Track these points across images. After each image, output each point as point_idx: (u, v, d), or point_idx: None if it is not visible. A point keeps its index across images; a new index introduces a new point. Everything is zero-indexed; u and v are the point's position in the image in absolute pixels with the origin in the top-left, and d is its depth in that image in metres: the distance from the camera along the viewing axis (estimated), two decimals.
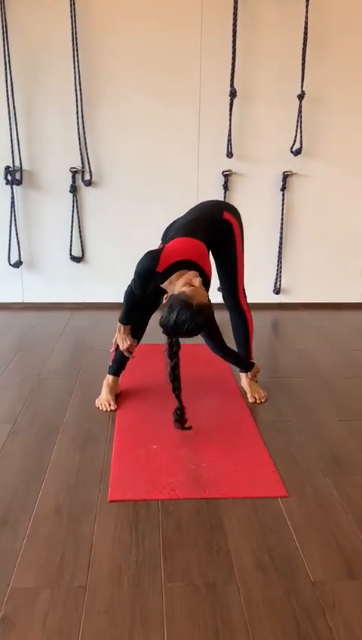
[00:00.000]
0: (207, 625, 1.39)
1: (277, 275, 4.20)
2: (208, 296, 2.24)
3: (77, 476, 2.01)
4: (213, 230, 2.46)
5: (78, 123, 3.83)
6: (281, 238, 4.12)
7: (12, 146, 3.85)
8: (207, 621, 1.40)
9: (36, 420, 2.43)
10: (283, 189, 4.03)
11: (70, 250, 4.08)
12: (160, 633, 1.36)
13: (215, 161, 3.96)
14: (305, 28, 3.70)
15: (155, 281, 2.32)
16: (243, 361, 2.69)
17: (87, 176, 3.95)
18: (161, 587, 1.50)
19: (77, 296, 4.20)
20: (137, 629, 1.37)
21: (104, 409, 2.53)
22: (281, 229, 4.10)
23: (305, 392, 2.75)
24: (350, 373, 3.01)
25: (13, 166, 3.89)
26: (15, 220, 3.98)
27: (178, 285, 2.21)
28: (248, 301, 2.68)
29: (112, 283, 3.85)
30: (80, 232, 4.07)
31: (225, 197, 3.98)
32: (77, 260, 4.11)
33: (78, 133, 3.85)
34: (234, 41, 3.70)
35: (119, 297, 2.48)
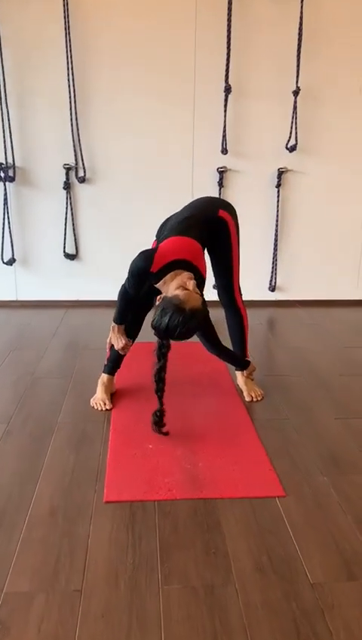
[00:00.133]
0: (205, 628, 1.36)
1: (272, 272, 4.18)
2: (202, 298, 2.21)
3: (72, 477, 1.98)
4: (208, 228, 2.44)
5: (71, 119, 3.79)
6: (276, 235, 4.10)
7: (5, 143, 3.80)
8: (205, 624, 1.37)
9: (30, 420, 2.40)
10: (278, 185, 4.00)
11: (64, 248, 4.05)
12: (157, 637, 1.34)
13: (210, 157, 3.93)
14: (300, 24, 3.67)
15: (149, 281, 2.30)
16: (238, 359, 2.67)
17: (80, 173, 3.92)
18: (158, 590, 1.48)
19: (71, 294, 4.17)
20: (134, 633, 1.35)
21: (99, 408, 2.51)
22: (276, 225, 4.08)
23: (302, 390, 2.74)
24: (346, 371, 2.99)
25: (6, 163, 3.85)
26: (8, 218, 3.94)
27: (172, 287, 2.19)
28: (243, 299, 2.66)
29: (107, 280, 3.79)
30: (74, 229, 4.03)
31: (220, 194, 3.96)
32: (71, 257, 4.08)
33: (72, 130, 3.82)
34: (228, 37, 3.67)
35: (113, 295, 2.45)
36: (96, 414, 2.47)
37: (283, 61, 3.77)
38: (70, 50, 3.66)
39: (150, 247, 2.51)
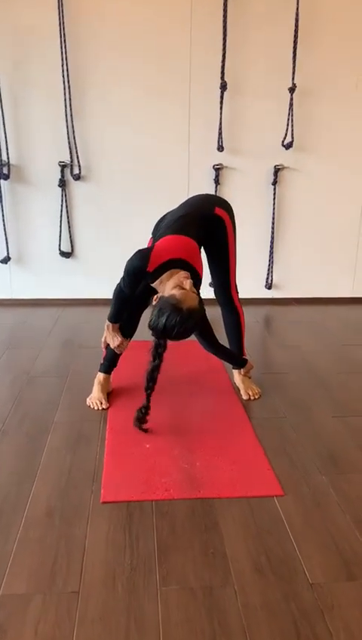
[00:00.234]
0: (204, 630, 1.35)
1: (268, 269, 4.17)
2: (199, 297, 2.20)
3: (68, 477, 1.96)
4: (205, 226, 2.42)
5: (66, 116, 3.76)
6: (273, 233, 4.09)
7: None
8: (204, 626, 1.36)
9: (26, 420, 2.38)
10: (274, 183, 3.99)
11: (59, 246, 4.02)
12: (156, 639, 1.32)
13: (206, 154, 3.92)
14: (296, 20, 3.65)
15: (145, 280, 2.28)
16: (235, 357, 2.66)
17: (76, 171, 3.89)
18: (157, 591, 1.46)
19: (66, 292, 4.14)
20: (132, 636, 1.34)
21: (96, 408, 2.49)
22: (273, 223, 4.07)
23: (299, 388, 2.73)
24: (343, 369, 2.99)
25: (1, 160, 3.81)
26: (3, 215, 3.91)
27: (168, 286, 2.18)
28: (240, 297, 2.64)
29: (102, 278, 3.78)
30: (69, 226, 4.01)
31: (216, 191, 3.94)
32: (66, 255, 4.05)
33: (67, 127, 3.79)
34: (224, 34, 3.65)
35: (109, 293, 2.43)
36: (93, 414, 2.45)
37: (279, 58, 3.75)
38: (65, 47, 3.63)
39: (146, 244, 2.50)
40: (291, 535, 1.67)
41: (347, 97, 3.89)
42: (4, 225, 3.93)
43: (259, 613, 1.40)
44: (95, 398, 2.52)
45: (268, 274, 4.18)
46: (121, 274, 2.32)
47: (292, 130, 3.86)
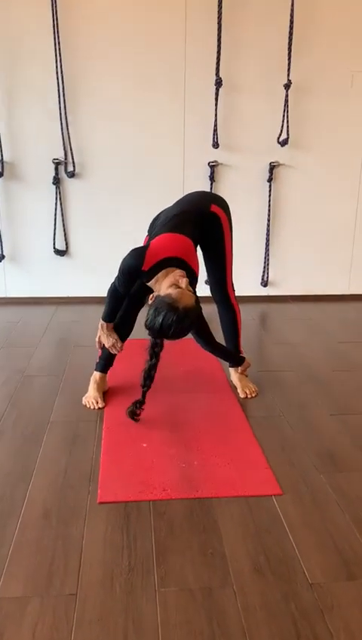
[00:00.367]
0: (203, 631, 1.34)
1: (264, 267, 4.16)
2: (195, 295, 2.19)
3: (65, 478, 1.94)
4: (201, 224, 2.40)
5: (60, 113, 3.73)
6: (268, 230, 4.08)
7: None
8: (203, 627, 1.35)
9: (21, 420, 2.36)
10: (269, 180, 3.97)
11: (54, 244, 4.00)
12: None
13: (201, 151, 3.90)
14: (291, 16, 3.63)
15: (141, 279, 2.26)
16: (233, 355, 2.64)
17: (70, 168, 3.87)
18: (155, 593, 1.45)
19: (61, 291, 4.12)
20: (131, 638, 1.32)
21: (91, 407, 2.47)
22: (268, 220, 4.06)
23: (296, 386, 2.72)
24: (339, 366, 2.98)
25: None
26: None
27: (164, 285, 2.16)
28: (235, 294, 2.63)
29: (97, 277, 3.78)
30: (63, 224, 3.98)
31: (211, 188, 3.92)
32: (61, 253, 4.03)
33: (61, 124, 3.76)
34: (219, 30, 3.62)
35: (104, 291, 2.40)
36: (89, 413, 2.43)
37: (274, 54, 3.73)
38: (59, 43, 3.60)
39: (142, 242, 2.48)
40: (290, 535, 1.66)
41: (342, 94, 3.88)
42: None
43: (258, 613, 1.39)
44: (91, 398, 2.50)
45: (263, 271, 4.16)
46: (116, 272, 2.31)
47: (287, 127, 3.85)
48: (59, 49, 3.62)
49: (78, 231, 4.02)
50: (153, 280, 2.23)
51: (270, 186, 3.99)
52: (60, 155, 3.84)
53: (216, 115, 3.79)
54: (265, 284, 4.19)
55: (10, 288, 4.10)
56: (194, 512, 1.76)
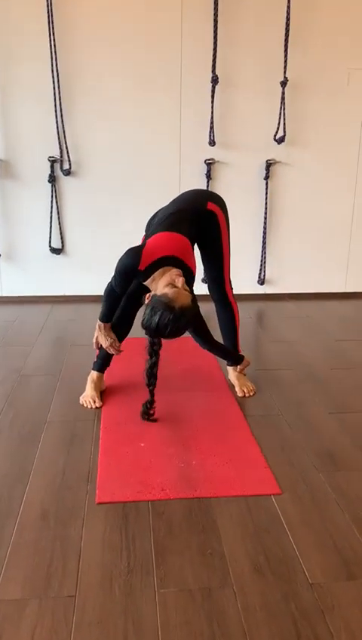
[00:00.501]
0: (203, 632, 1.33)
1: (261, 265, 4.15)
2: (192, 294, 2.18)
3: (62, 478, 1.93)
4: (197, 222, 2.39)
5: (56, 111, 3.71)
6: (265, 228, 4.07)
7: None
8: (203, 628, 1.34)
9: (18, 420, 2.35)
10: (266, 177, 3.96)
11: (49, 242, 3.97)
12: None
13: (197, 149, 3.88)
14: (288, 13, 3.62)
15: (137, 279, 2.25)
16: (231, 354, 2.63)
17: (66, 166, 3.84)
18: (154, 594, 1.44)
19: (57, 289, 4.10)
20: (131, 639, 1.31)
21: (89, 406, 2.46)
22: (265, 218, 4.04)
23: (294, 385, 2.71)
24: (338, 365, 2.97)
25: None
26: None
27: (161, 284, 2.15)
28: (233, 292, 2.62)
29: (94, 275, 3.77)
30: (59, 223, 3.96)
31: (207, 186, 3.91)
32: (57, 251, 4.01)
33: (57, 122, 3.74)
34: (215, 27, 3.61)
35: (101, 290, 2.39)
36: (86, 413, 2.42)
37: (270, 51, 3.72)
38: (54, 40, 3.58)
39: (139, 240, 2.46)
40: (289, 534, 1.65)
41: (338, 92, 3.87)
42: None
43: (258, 614, 1.38)
44: (88, 397, 2.49)
45: (260, 269, 4.15)
46: (113, 270, 2.29)
47: (284, 125, 3.83)
48: (55, 47, 3.59)
49: (74, 229, 4.00)
50: (150, 279, 2.22)
51: (267, 183, 3.97)
52: (56, 153, 3.82)
53: (212, 112, 3.77)
54: (261, 282, 4.18)
55: (5, 287, 4.08)
56: (193, 511, 1.75)
